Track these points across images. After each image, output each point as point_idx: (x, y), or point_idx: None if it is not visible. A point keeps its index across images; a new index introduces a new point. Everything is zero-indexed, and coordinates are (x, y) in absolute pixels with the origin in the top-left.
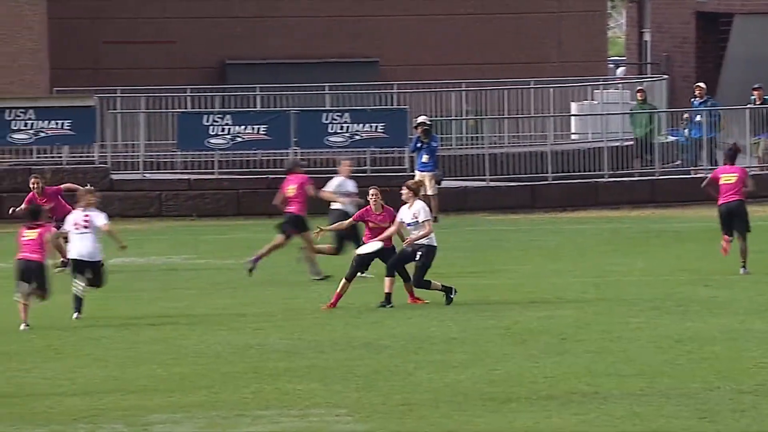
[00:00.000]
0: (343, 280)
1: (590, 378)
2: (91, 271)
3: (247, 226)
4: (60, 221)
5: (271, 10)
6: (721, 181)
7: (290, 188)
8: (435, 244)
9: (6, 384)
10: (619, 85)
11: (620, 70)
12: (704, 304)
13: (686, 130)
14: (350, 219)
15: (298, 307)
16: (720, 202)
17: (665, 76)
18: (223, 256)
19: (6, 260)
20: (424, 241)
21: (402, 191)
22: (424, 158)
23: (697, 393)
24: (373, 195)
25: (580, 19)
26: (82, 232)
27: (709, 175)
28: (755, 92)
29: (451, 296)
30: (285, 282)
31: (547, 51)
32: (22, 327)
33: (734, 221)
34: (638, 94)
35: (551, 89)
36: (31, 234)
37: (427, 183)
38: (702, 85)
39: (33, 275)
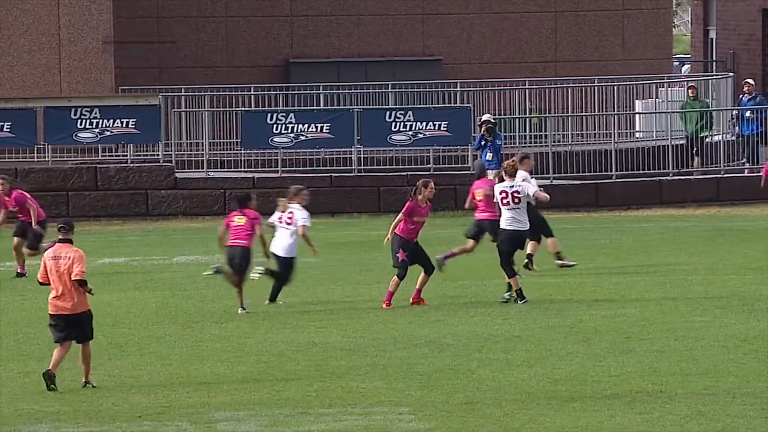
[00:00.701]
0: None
1: (655, 377)
2: (282, 265)
3: (311, 225)
4: (26, 223)
5: (335, 8)
6: None
7: (478, 192)
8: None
9: (72, 382)
10: (684, 83)
11: (685, 68)
12: None
13: (736, 128)
14: (401, 214)
15: (360, 305)
16: None
17: (731, 74)
18: None
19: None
20: (516, 225)
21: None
22: (488, 156)
23: (763, 392)
24: (431, 189)
25: (644, 17)
26: (284, 227)
27: (762, 174)
28: None
29: (521, 300)
30: (348, 280)
31: (611, 49)
32: (239, 311)
33: None
34: (690, 90)
35: (615, 87)
36: (240, 221)
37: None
38: (751, 81)
39: (238, 260)
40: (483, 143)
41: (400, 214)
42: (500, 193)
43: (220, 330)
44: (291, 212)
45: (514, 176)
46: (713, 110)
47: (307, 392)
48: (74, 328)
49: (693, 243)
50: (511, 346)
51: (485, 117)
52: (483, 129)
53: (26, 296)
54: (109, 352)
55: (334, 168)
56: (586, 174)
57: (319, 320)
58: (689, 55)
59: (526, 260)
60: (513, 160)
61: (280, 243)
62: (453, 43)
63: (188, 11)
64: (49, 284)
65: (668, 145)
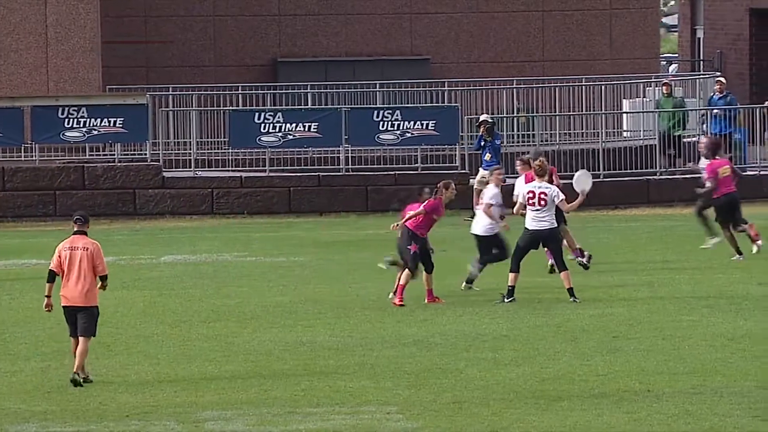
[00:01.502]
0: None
1: (642, 376)
2: (484, 244)
3: (299, 224)
4: None
5: (323, 8)
6: (720, 175)
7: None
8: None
9: (59, 381)
10: (671, 83)
11: (673, 68)
12: (757, 302)
13: (704, 125)
14: (422, 207)
15: (348, 305)
16: (721, 193)
17: (718, 74)
18: (274, 254)
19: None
20: (539, 225)
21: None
22: (488, 156)
23: (750, 391)
24: (452, 190)
25: (632, 16)
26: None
27: (706, 173)
28: None
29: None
30: (335, 279)
31: (599, 48)
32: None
33: (736, 211)
34: (663, 87)
35: (603, 86)
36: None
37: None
38: (722, 79)
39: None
40: (482, 143)
41: (422, 208)
42: (528, 193)
43: (208, 329)
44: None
45: (544, 176)
46: (688, 109)
47: (294, 391)
48: (81, 320)
49: (680, 242)
50: (499, 345)
51: (483, 117)
52: (482, 129)
53: (14, 295)
54: (97, 351)
55: (322, 167)
56: (574, 173)
57: (307, 319)
58: (676, 55)
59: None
60: (541, 160)
61: (479, 223)
62: (441, 42)
63: (176, 10)
64: (59, 274)
65: (656, 145)
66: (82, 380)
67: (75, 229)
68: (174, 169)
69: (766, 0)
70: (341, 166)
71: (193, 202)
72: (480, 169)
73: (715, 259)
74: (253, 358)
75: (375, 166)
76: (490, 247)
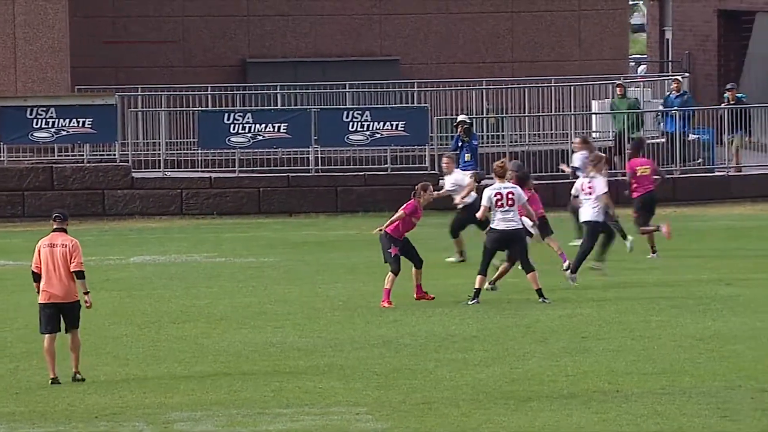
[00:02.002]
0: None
1: (611, 376)
2: (591, 231)
3: (268, 224)
4: None
5: (292, 8)
6: (638, 173)
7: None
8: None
9: (28, 382)
10: (641, 84)
11: (641, 69)
12: (726, 302)
13: (661, 125)
14: (402, 211)
15: (318, 306)
16: (639, 193)
17: (687, 74)
18: (243, 255)
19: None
20: (506, 225)
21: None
22: (466, 157)
23: (719, 392)
24: (430, 193)
25: (601, 17)
26: (586, 197)
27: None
28: (728, 92)
29: (473, 299)
30: (305, 280)
31: (568, 49)
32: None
33: (652, 209)
34: (617, 88)
35: (572, 87)
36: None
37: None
38: (680, 78)
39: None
40: (460, 144)
41: (401, 212)
42: (495, 195)
43: (177, 330)
44: (591, 182)
45: (504, 177)
46: (643, 110)
47: (264, 392)
48: (65, 316)
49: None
50: (469, 346)
51: (461, 118)
52: (459, 130)
53: None
54: (66, 352)
55: (292, 168)
56: (543, 174)
57: (277, 320)
58: (645, 56)
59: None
60: (502, 161)
61: (586, 211)
62: (410, 43)
63: (144, 11)
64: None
65: (668, 146)
66: (80, 378)
67: (54, 226)
68: (143, 170)
69: (734, 1)
70: (311, 167)
71: (162, 203)
72: (458, 170)
73: (684, 260)
74: (223, 358)
75: (345, 166)
76: (596, 234)
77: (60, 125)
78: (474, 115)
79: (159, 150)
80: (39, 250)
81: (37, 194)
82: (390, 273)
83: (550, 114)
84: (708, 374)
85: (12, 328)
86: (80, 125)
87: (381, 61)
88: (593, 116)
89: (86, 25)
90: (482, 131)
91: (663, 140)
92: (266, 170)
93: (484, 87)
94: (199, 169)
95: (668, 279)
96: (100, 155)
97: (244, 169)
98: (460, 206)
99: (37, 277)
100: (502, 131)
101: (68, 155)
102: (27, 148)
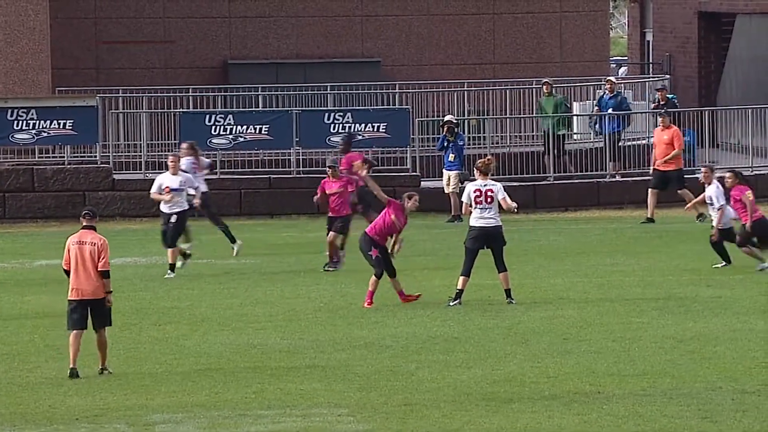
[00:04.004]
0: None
1: (592, 378)
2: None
3: (250, 226)
4: None
5: (273, 10)
6: (355, 169)
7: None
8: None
9: (8, 384)
10: (621, 86)
11: (622, 70)
12: (706, 304)
13: (596, 125)
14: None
15: (299, 307)
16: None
17: (667, 76)
18: (225, 256)
19: (7, 260)
20: (485, 223)
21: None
22: (451, 157)
23: (700, 393)
24: (414, 202)
25: (582, 19)
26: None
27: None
28: (658, 93)
29: (454, 300)
30: (286, 281)
31: (549, 51)
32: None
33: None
34: (544, 87)
35: (553, 89)
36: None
37: (451, 181)
38: (612, 79)
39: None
40: (445, 144)
41: (393, 216)
42: (474, 192)
43: (158, 332)
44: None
45: (488, 174)
46: (575, 114)
47: (245, 394)
48: (94, 313)
49: (630, 244)
50: (450, 347)
51: (447, 117)
52: (445, 130)
53: None
54: (47, 354)
55: (273, 169)
56: (524, 176)
57: (258, 322)
58: (626, 58)
59: None
60: (488, 158)
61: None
62: (391, 44)
63: (126, 12)
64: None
65: (605, 147)
66: (108, 371)
67: (83, 224)
68: (124, 172)
69: (715, 3)
70: (292, 168)
71: (143, 205)
72: (443, 170)
73: (664, 262)
74: (204, 360)
75: (326, 168)
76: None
77: (41, 127)
78: (456, 117)
79: (140, 152)
80: (68, 248)
81: (18, 196)
82: (373, 276)
83: (532, 115)
84: (689, 375)
85: None
86: (61, 127)
87: (362, 63)
88: (574, 118)
89: (67, 26)
90: (464, 132)
91: (600, 143)
92: (248, 172)
93: (465, 88)
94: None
95: (649, 280)
96: (81, 157)
97: (226, 170)
98: None
99: (68, 274)
100: (484, 133)
101: (49, 157)
102: (7, 150)
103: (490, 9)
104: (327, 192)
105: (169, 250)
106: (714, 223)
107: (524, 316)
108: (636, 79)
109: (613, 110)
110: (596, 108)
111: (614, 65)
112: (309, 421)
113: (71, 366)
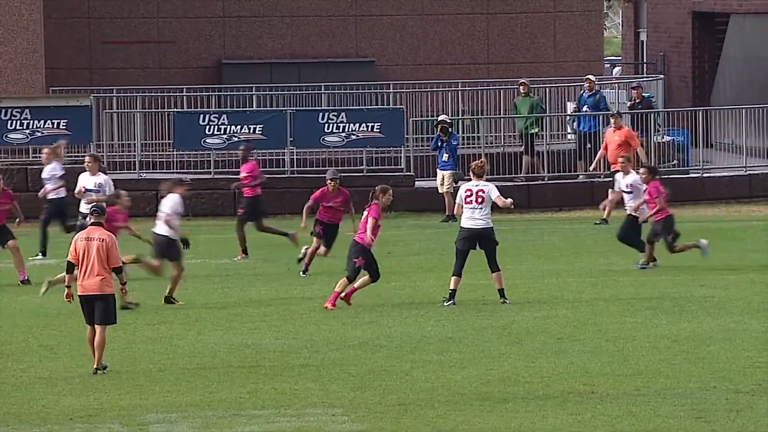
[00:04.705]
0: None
1: (586, 378)
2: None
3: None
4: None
5: (267, 10)
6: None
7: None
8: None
9: (2, 383)
10: (615, 85)
11: (616, 70)
12: (700, 303)
13: (575, 124)
14: (373, 219)
15: (293, 306)
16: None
17: (661, 76)
18: (219, 256)
19: (1, 260)
20: (475, 224)
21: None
22: (445, 157)
23: (693, 393)
24: (389, 196)
25: (576, 19)
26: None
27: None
28: (634, 91)
29: (447, 301)
30: (280, 281)
31: (543, 50)
32: None
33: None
34: (521, 86)
35: (547, 89)
36: None
37: (445, 181)
38: (592, 77)
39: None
40: (439, 144)
41: (372, 219)
42: (465, 192)
43: (152, 332)
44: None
45: (482, 177)
46: (554, 114)
47: (239, 394)
48: (98, 308)
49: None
50: (444, 347)
51: (441, 117)
52: (439, 129)
53: None
54: (41, 354)
55: (267, 169)
56: (518, 175)
57: (252, 321)
58: (620, 58)
59: None
60: (481, 161)
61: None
62: (386, 44)
63: (120, 12)
64: (77, 265)
65: (577, 146)
66: (102, 371)
67: (92, 220)
68: (118, 171)
69: (709, 3)
70: (286, 168)
71: (137, 204)
72: (437, 170)
73: (658, 262)
74: (198, 360)
75: (320, 168)
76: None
77: (35, 126)
78: (450, 116)
79: (134, 151)
80: (76, 242)
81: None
82: (344, 278)
83: (526, 115)
84: (683, 375)
85: None
86: (55, 126)
87: (356, 63)
88: (568, 117)
89: (61, 26)
90: (458, 132)
91: (573, 142)
92: None
93: (459, 88)
94: (175, 171)
95: (643, 280)
96: (75, 156)
97: (220, 170)
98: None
99: (70, 268)
100: (478, 132)
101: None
102: (1, 150)
103: (484, 9)
104: (323, 204)
105: None
106: (630, 212)
107: (518, 315)
108: (630, 79)
109: (589, 108)
110: (574, 107)
111: (608, 65)
112: (303, 421)
113: (94, 366)
